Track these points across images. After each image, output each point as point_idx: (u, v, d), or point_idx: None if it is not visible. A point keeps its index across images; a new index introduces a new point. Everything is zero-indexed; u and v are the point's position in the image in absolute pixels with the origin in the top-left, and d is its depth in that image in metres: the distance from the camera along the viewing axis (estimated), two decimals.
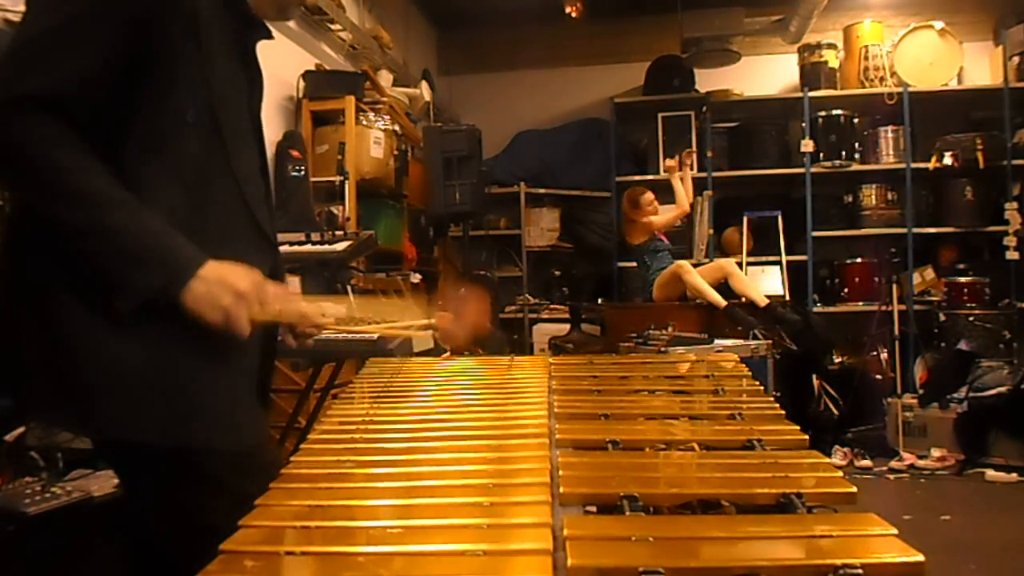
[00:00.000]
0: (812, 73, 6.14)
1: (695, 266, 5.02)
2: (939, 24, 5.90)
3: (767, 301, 4.75)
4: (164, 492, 1.17)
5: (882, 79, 5.99)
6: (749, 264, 5.94)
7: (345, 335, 2.08)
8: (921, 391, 5.05)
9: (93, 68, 1.10)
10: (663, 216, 5.23)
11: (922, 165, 5.83)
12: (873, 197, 5.97)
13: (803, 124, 6.03)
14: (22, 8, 1.14)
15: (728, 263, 5.09)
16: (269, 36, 1.36)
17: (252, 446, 1.24)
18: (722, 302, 4.68)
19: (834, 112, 6.00)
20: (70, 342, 1.12)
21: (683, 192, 5.24)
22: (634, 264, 6.09)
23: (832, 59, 6.13)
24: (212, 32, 1.19)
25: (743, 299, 4.83)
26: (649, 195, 5.19)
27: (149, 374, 1.13)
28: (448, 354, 2.19)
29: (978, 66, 6.16)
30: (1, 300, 1.18)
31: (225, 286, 1.12)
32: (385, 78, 5.25)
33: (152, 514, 1.20)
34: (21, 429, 1.98)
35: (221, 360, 1.19)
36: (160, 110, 1.15)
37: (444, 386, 1.58)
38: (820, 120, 6.02)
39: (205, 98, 1.18)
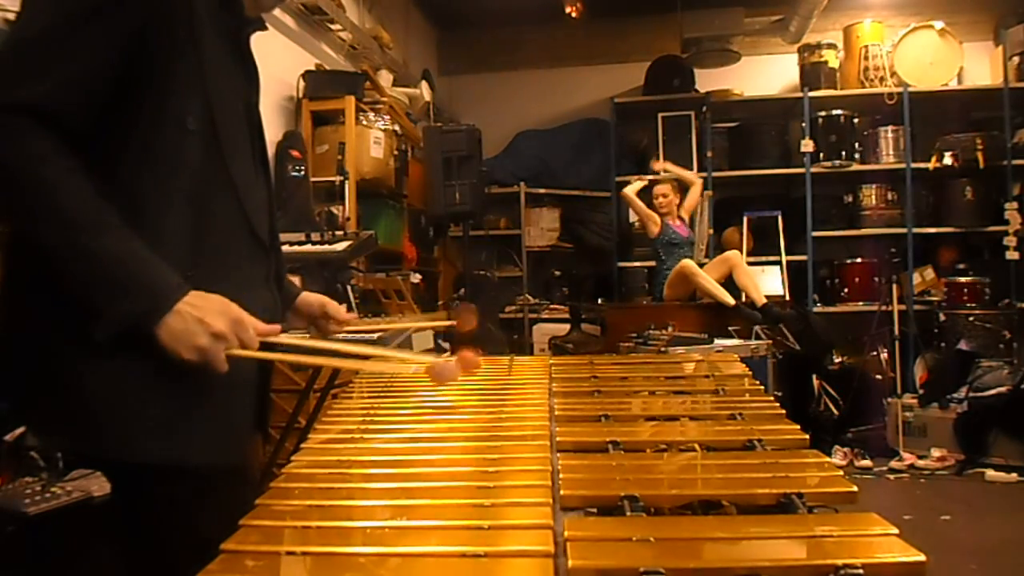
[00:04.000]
0: (812, 73, 6.14)
1: (700, 266, 5.03)
2: (939, 24, 5.90)
3: (765, 301, 4.76)
4: (156, 500, 1.17)
5: (882, 79, 5.99)
6: (749, 264, 5.94)
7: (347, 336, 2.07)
8: (921, 391, 5.05)
9: (85, 76, 1.06)
10: (688, 199, 5.25)
11: (922, 165, 5.83)
12: (873, 197, 5.97)
13: (803, 124, 6.03)
14: None
15: (735, 255, 5.10)
16: (263, 27, 1.34)
17: (243, 459, 1.24)
18: (731, 300, 4.69)
19: (834, 112, 6.00)
20: (66, 360, 1.11)
21: (683, 171, 5.29)
22: (635, 264, 6.10)
23: (832, 59, 6.14)
24: (209, 33, 1.16)
25: (743, 295, 4.85)
26: (658, 188, 5.21)
27: (146, 394, 1.11)
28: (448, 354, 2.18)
29: (978, 66, 6.17)
30: (2, 316, 1.17)
31: (202, 325, 1.08)
32: (385, 78, 5.25)
33: (145, 518, 1.19)
34: (21, 429, 1.98)
35: (213, 378, 1.17)
36: (159, 119, 1.12)
37: (444, 386, 1.58)
38: (820, 120, 6.02)
39: (204, 104, 1.15)
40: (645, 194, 5.25)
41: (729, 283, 4.90)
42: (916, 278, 5.83)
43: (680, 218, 5.20)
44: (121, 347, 1.09)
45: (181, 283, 1.10)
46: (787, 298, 5.60)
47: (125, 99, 1.10)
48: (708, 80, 6.37)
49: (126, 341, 1.09)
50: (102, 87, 1.08)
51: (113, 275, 1.06)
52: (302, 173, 4.01)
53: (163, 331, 1.08)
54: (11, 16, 2.22)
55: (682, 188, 5.25)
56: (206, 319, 1.09)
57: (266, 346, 1.20)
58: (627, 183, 6.13)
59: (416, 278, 4.85)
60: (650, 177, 5.32)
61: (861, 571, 0.76)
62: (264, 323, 1.18)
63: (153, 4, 1.10)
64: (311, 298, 1.50)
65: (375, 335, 2.15)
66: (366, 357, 1.39)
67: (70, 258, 1.07)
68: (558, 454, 1.15)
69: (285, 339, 1.29)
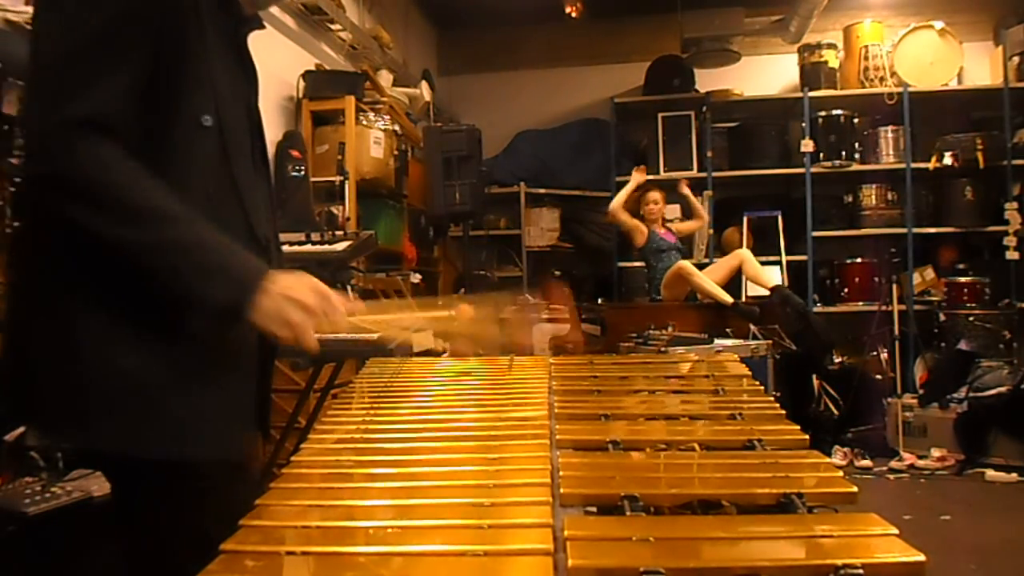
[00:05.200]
0: (812, 73, 6.14)
1: (701, 267, 5.04)
2: (939, 24, 5.90)
3: (773, 284, 4.85)
4: (157, 499, 1.17)
5: (882, 79, 5.99)
6: None
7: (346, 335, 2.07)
8: (921, 391, 5.05)
9: (131, 81, 1.08)
10: (684, 225, 5.33)
11: (922, 165, 5.83)
12: (873, 197, 5.97)
13: (803, 124, 6.03)
14: (22, 8, 1.13)
15: (745, 252, 5.14)
16: (261, 26, 1.35)
17: (245, 457, 1.24)
18: (728, 299, 4.69)
19: (834, 112, 6.00)
20: (73, 357, 1.11)
21: (699, 205, 5.28)
22: (635, 264, 6.10)
23: (832, 59, 6.14)
24: (212, 33, 1.18)
25: (743, 295, 4.88)
26: (651, 194, 5.19)
27: (151, 392, 1.12)
28: (447, 354, 2.19)
29: (978, 66, 6.16)
30: (12, 312, 1.17)
31: (293, 302, 1.10)
32: (385, 78, 5.25)
33: (146, 518, 1.20)
34: (21, 429, 1.98)
35: (218, 376, 1.18)
36: (175, 118, 1.13)
37: (444, 386, 1.58)
38: (820, 120, 6.02)
39: (212, 102, 1.16)
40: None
41: (731, 287, 4.91)
42: (916, 278, 5.83)
43: (667, 225, 5.22)
44: (125, 344, 1.10)
45: (263, 264, 1.12)
46: None
47: (146, 101, 1.11)
48: (708, 80, 6.37)
49: (130, 338, 1.09)
50: (137, 91, 1.09)
51: (201, 263, 1.08)
52: (302, 173, 4.00)
53: (255, 312, 1.09)
54: (11, 16, 2.22)
55: (683, 210, 5.29)
56: (295, 295, 1.11)
57: None
58: (626, 183, 6.13)
59: (416, 278, 4.85)
60: (640, 179, 5.26)
61: (861, 571, 0.76)
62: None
63: (169, 5, 1.12)
64: None
65: (375, 335, 2.15)
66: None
67: (154, 253, 1.07)
68: (558, 452, 1.15)
69: (369, 316, 1.31)
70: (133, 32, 1.08)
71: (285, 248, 2.12)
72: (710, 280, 4.79)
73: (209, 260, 1.08)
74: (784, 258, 5.90)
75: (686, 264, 4.89)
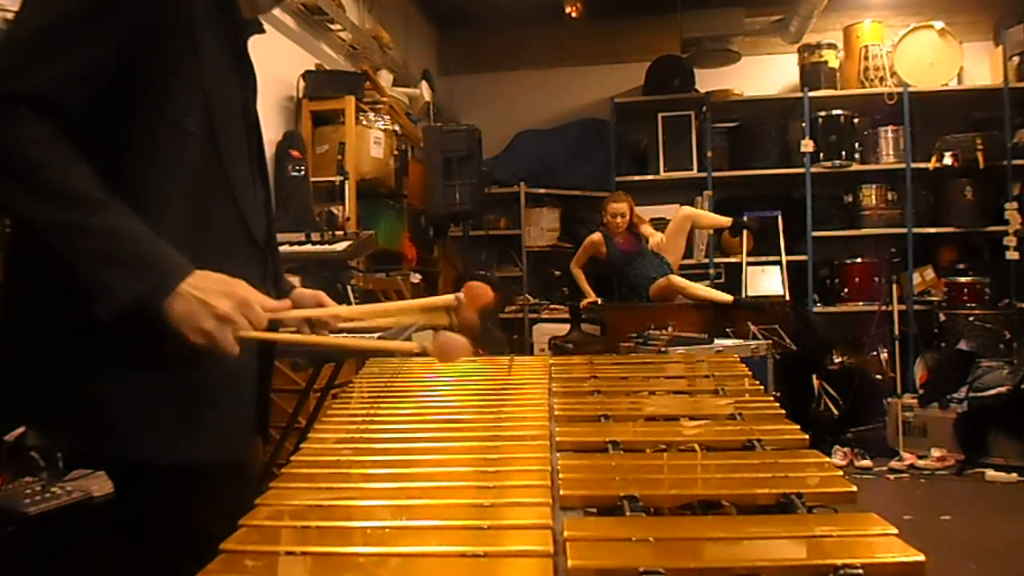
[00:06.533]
0: (812, 73, 6.14)
1: (700, 267, 5.03)
2: (939, 24, 5.91)
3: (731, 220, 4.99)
4: (158, 499, 1.17)
5: (882, 79, 5.99)
6: (749, 264, 5.95)
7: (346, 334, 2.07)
8: (921, 391, 5.05)
9: (86, 71, 1.07)
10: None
11: (922, 165, 5.83)
12: (873, 197, 5.97)
13: (803, 124, 6.03)
14: None
15: (687, 209, 5.20)
16: (261, 30, 1.35)
17: (245, 457, 1.24)
18: (727, 298, 4.68)
19: (834, 112, 6.00)
20: (70, 359, 1.11)
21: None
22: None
23: (832, 59, 6.14)
24: (206, 35, 1.17)
25: (743, 293, 4.88)
26: (615, 206, 5.10)
27: (151, 393, 1.12)
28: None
29: (978, 66, 6.17)
30: (5, 314, 1.17)
31: (207, 307, 1.06)
32: (385, 78, 5.25)
33: (146, 517, 1.20)
34: (21, 429, 1.98)
35: (216, 378, 1.17)
36: (159, 119, 1.13)
37: (444, 386, 1.58)
38: (820, 120, 6.02)
39: (202, 105, 1.16)
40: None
41: (731, 287, 4.91)
42: (916, 278, 5.83)
43: (632, 233, 5.10)
44: (125, 345, 1.10)
45: (185, 263, 1.08)
46: (787, 298, 5.59)
47: (126, 100, 1.11)
48: (708, 80, 6.37)
49: (131, 338, 1.09)
50: (102, 83, 1.09)
51: (112, 252, 1.04)
52: (302, 173, 4.00)
53: (170, 313, 1.05)
54: (11, 16, 2.22)
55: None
56: (210, 301, 1.06)
57: (274, 326, 1.19)
58: (627, 183, 6.12)
59: (416, 278, 4.85)
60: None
61: (861, 571, 0.76)
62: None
63: (152, 5, 1.11)
64: (305, 294, 1.50)
65: (375, 335, 2.15)
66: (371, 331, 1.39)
67: (65, 234, 1.04)
68: (558, 454, 1.15)
69: (295, 314, 1.28)
70: (97, 26, 1.07)
71: (285, 248, 2.12)
72: (703, 287, 4.79)
73: (124, 250, 1.04)
74: (784, 258, 5.89)
75: (675, 278, 4.82)
